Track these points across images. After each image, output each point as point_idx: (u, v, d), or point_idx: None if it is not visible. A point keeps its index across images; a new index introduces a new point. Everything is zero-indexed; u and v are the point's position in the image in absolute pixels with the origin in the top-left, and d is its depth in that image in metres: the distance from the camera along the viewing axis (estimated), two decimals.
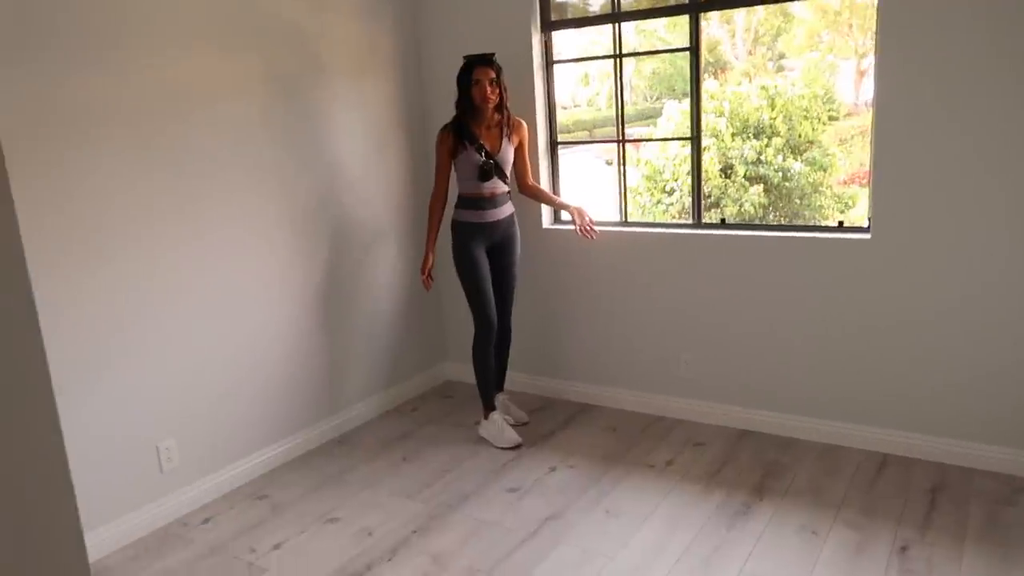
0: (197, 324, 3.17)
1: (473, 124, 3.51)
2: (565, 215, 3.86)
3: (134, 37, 2.86)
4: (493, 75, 3.44)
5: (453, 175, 3.61)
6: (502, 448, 3.59)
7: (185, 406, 3.16)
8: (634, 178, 6.28)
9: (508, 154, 3.58)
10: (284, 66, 3.44)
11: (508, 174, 3.61)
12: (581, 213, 3.67)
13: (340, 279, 3.80)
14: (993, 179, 2.91)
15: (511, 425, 3.70)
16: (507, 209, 3.63)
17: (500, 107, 3.51)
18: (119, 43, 2.82)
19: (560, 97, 4.00)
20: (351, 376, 3.93)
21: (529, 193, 3.79)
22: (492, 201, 3.56)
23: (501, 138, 3.55)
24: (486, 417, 3.69)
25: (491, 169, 3.50)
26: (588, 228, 3.65)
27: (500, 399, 3.82)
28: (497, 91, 3.46)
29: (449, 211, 3.65)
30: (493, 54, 3.49)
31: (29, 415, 0.92)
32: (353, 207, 3.84)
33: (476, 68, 3.43)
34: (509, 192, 3.64)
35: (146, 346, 3.00)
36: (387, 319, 4.12)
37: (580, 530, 2.91)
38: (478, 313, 3.62)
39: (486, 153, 3.50)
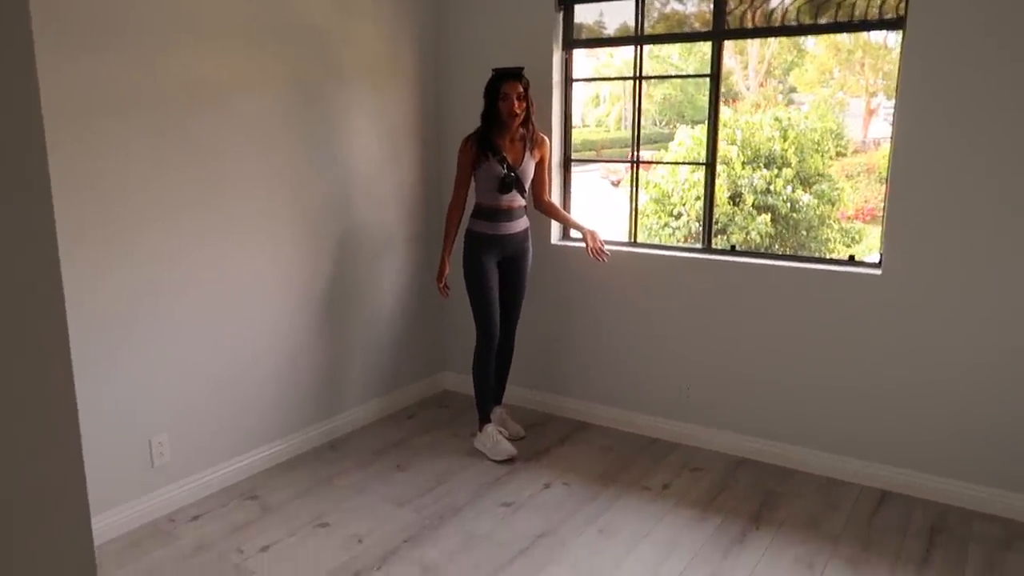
0: (199, 318, 3.13)
1: (497, 136, 3.50)
2: (575, 232, 3.84)
3: (158, 28, 2.84)
4: (521, 89, 3.43)
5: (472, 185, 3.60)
6: (497, 461, 3.55)
7: (180, 401, 3.11)
8: (642, 200, 6.29)
9: (529, 168, 3.57)
10: (305, 67, 3.43)
11: (527, 188, 3.60)
12: (594, 236, 3.65)
13: (344, 282, 3.78)
14: (1010, 218, 2.91)
15: (507, 439, 3.66)
16: (522, 223, 3.62)
17: (526, 121, 3.51)
18: (143, 33, 2.80)
19: None
20: (349, 380, 3.89)
21: (544, 209, 3.78)
22: (508, 214, 3.55)
23: (524, 152, 3.54)
24: (480, 430, 3.66)
25: (511, 182, 3.49)
26: (599, 251, 3.63)
27: (497, 412, 3.79)
28: (524, 105, 3.45)
29: (464, 221, 3.64)
30: (522, 68, 3.49)
31: (47, 401, 0.91)
32: (363, 212, 3.82)
33: (506, 82, 3.43)
34: (526, 207, 3.63)
35: (147, 338, 2.96)
36: (389, 325, 4.09)
37: (572, 549, 2.87)
38: (482, 324, 3.59)
39: (508, 166, 3.49)
